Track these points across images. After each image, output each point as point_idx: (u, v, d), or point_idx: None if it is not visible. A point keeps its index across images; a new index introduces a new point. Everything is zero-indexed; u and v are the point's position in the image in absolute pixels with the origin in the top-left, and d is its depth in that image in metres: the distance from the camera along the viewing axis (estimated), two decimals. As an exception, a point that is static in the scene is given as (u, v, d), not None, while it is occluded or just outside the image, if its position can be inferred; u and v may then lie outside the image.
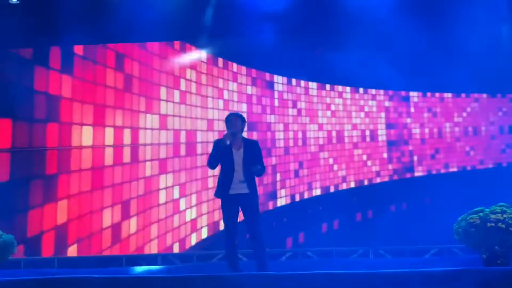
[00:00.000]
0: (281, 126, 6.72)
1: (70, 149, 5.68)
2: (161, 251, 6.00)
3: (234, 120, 4.50)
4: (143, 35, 5.78)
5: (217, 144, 4.48)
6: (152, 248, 6.00)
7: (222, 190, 4.45)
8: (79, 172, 5.69)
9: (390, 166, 6.89)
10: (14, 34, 5.51)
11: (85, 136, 5.74)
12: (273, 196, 6.59)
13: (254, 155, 4.48)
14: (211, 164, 4.54)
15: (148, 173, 6.03)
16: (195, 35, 6.16)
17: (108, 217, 5.80)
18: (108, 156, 5.82)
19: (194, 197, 6.28)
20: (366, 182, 6.88)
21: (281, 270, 4.04)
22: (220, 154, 4.44)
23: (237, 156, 4.45)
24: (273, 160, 6.61)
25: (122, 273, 5.22)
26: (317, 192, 6.76)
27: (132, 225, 5.92)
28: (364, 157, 6.87)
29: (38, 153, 5.59)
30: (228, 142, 4.39)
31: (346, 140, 6.82)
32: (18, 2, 5.64)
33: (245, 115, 6.33)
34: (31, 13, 5.54)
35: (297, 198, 6.73)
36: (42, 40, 5.70)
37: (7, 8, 5.63)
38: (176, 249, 6.13)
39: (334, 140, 6.78)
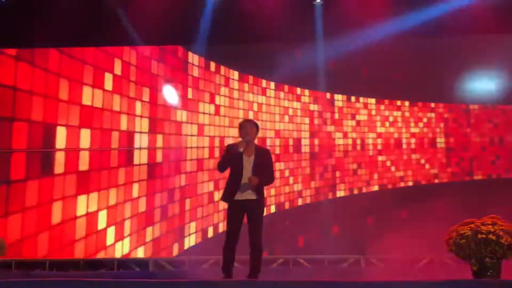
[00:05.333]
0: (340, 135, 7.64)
1: (132, 149, 7.67)
2: (198, 231, 7.50)
3: (249, 128, 4.47)
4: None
5: (230, 149, 4.46)
6: (192, 227, 7.57)
7: (229, 195, 4.44)
8: (139, 166, 7.64)
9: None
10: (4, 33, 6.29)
11: (142, 140, 7.66)
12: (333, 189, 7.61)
13: (264, 163, 4.46)
14: (221, 168, 4.49)
15: (188, 170, 7.63)
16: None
17: (158, 199, 7.60)
18: (159, 155, 7.65)
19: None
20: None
21: (272, 277, 4.29)
22: (231, 159, 4.44)
23: (248, 162, 4.41)
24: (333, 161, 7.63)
25: (113, 276, 5.39)
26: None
27: (175, 207, 7.62)
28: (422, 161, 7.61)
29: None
30: (241, 150, 4.40)
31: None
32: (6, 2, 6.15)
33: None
34: (20, 13, 6.15)
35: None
36: (31, 40, 6.29)
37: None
38: (210, 232, 7.54)
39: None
